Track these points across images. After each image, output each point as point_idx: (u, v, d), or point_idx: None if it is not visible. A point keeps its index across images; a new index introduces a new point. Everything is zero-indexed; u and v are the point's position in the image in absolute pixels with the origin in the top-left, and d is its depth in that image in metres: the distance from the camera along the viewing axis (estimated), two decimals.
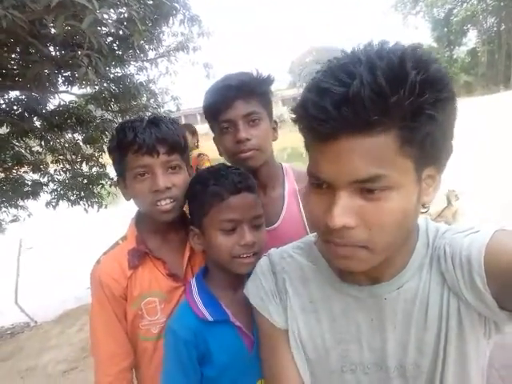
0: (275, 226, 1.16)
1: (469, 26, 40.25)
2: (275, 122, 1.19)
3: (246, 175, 0.95)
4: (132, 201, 1.05)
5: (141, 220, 1.10)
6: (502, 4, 34.93)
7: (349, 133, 0.50)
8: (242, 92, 1.05)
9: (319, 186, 0.57)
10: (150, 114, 4.65)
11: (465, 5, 37.18)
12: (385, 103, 0.47)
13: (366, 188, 0.53)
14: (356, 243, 0.55)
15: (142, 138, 0.95)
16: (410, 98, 0.47)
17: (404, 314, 0.64)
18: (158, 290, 1.03)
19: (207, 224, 0.92)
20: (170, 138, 0.99)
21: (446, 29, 40.48)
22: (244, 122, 1.07)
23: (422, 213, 0.64)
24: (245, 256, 0.90)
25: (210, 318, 0.88)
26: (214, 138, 1.19)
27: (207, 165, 3.58)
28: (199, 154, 3.79)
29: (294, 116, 0.57)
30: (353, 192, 0.53)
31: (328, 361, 0.70)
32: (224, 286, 0.96)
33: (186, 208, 1.06)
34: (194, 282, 0.96)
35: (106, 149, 4.36)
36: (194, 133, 3.96)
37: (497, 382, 2.00)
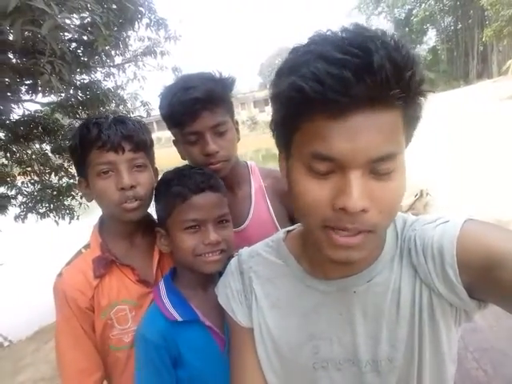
0: (243, 226, 1.15)
1: (428, 25, 41.95)
2: (236, 122, 1.16)
3: (209, 175, 0.95)
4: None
5: (104, 226, 1.05)
6: (457, 3, 36.66)
7: (366, 106, 0.48)
8: (209, 103, 1.01)
9: (319, 171, 0.53)
10: None
11: (423, 5, 38.74)
12: (402, 77, 0.46)
13: (377, 168, 0.51)
14: (366, 228, 0.52)
15: (107, 134, 0.92)
16: (417, 75, 0.48)
17: (375, 307, 0.64)
18: (128, 298, 0.99)
19: (171, 224, 0.92)
20: (136, 135, 0.96)
21: (407, 28, 41.99)
22: (212, 133, 1.03)
23: None
24: (210, 254, 0.89)
25: (179, 319, 0.86)
26: (174, 141, 1.15)
27: None
28: None
29: (293, 93, 0.49)
30: (365, 171, 0.51)
31: (300, 357, 0.69)
32: (193, 286, 0.95)
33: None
34: (162, 283, 0.95)
35: None
36: None
37: (471, 363, 2.09)
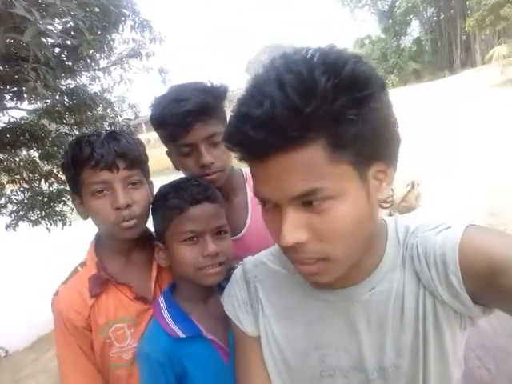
0: (241, 235, 1.14)
1: (411, 16, 42.19)
2: None
3: (205, 186, 0.94)
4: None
5: (100, 243, 1.04)
6: None
7: (274, 153, 0.50)
8: (201, 115, 1.00)
9: (267, 204, 0.57)
10: (107, 123, 4.54)
11: None
12: (300, 117, 0.47)
13: (307, 201, 0.52)
14: (314, 256, 0.55)
15: (100, 152, 0.89)
16: (324, 106, 0.47)
17: (378, 315, 0.64)
18: (126, 315, 0.97)
19: (169, 237, 0.91)
20: (131, 152, 0.94)
21: (391, 20, 42.20)
22: (206, 144, 1.02)
23: (386, 207, 0.65)
24: (210, 267, 0.89)
25: (181, 335, 0.86)
26: (167, 152, 1.14)
27: None
28: None
29: (225, 143, 0.56)
30: (297, 206, 0.53)
31: (307, 366, 0.69)
32: (194, 300, 0.94)
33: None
34: (161, 299, 0.94)
35: None
36: None
37: (474, 361, 2.12)
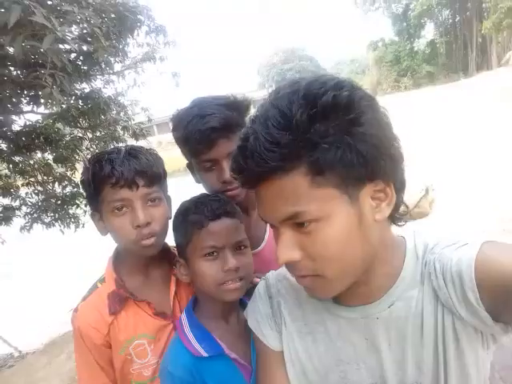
0: (259, 249, 1.14)
1: (426, 19, 41.68)
2: None
3: (225, 201, 0.95)
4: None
5: (119, 259, 1.04)
6: None
7: (261, 181, 0.57)
8: (225, 131, 1.00)
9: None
10: (120, 127, 4.59)
11: None
12: (279, 149, 0.52)
13: (296, 224, 0.57)
14: (308, 274, 0.60)
15: (120, 170, 0.90)
16: (299, 136, 0.52)
17: (398, 332, 0.64)
18: (146, 332, 0.98)
19: (190, 253, 0.92)
20: (150, 169, 0.95)
21: (404, 23, 41.78)
22: (228, 160, 0.98)
23: (400, 225, 0.66)
24: (230, 282, 0.89)
25: (204, 354, 0.86)
26: (188, 165, 1.14)
27: None
28: None
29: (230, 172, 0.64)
30: (289, 227, 0.58)
31: (328, 382, 0.70)
32: (215, 317, 0.95)
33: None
34: (184, 316, 0.94)
35: (78, 167, 4.28)
36: None
37: (498, 382, 2.03)
